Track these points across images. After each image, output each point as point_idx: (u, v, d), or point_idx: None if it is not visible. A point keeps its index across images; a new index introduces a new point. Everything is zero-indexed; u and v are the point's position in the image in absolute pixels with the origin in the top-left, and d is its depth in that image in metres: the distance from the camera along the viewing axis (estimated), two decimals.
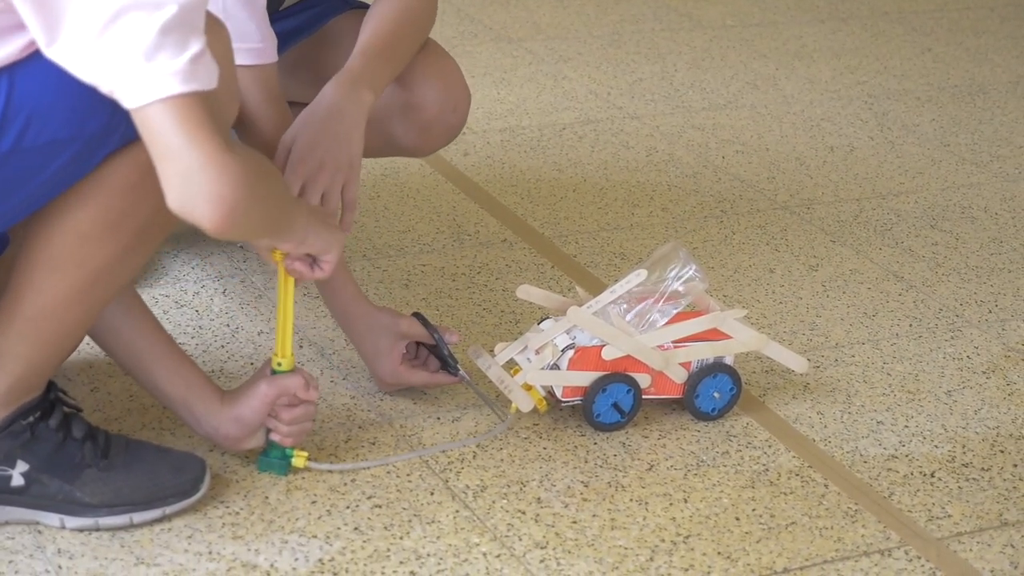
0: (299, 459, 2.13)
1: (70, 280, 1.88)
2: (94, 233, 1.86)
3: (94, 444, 1.99)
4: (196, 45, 1.65)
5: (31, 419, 1.95)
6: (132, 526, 1.99)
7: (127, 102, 1.65)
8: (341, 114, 2.24)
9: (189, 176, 1.65)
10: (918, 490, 2.27)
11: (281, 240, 1.97)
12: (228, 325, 2.53)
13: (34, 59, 1.70)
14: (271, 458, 2.13)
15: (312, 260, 2.04)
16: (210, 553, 1.98)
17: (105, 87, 1.65)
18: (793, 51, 4.10)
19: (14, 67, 1.71)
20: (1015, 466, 2.35)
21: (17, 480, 1.95)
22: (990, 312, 2.82)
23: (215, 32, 1.79)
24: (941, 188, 3.34)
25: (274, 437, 2.12)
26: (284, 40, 2.49)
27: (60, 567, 1.92)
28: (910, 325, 2.75)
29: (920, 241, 3.08)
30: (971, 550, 2.15)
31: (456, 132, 2.56)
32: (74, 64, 1.66)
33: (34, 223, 1.86)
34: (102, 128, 1.75)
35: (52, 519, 1.98)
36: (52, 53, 1.67)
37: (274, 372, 2.10)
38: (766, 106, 3.70)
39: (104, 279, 1.91)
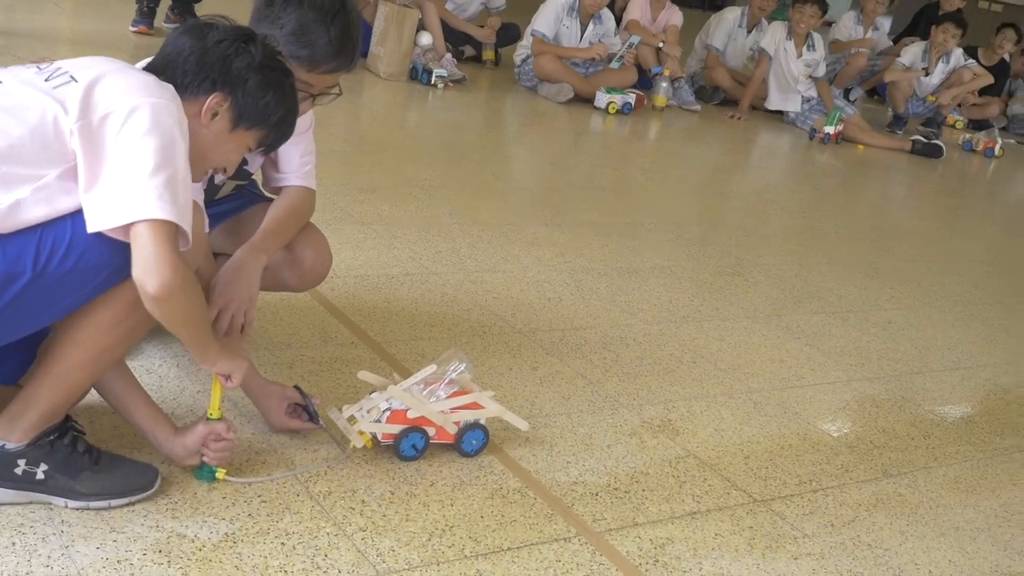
0: (221, 473, 2.10)
1: (86, 353, 1.85)
2: (105, 324, 1.83)
3: (90, 455, 1.95)
4: (185, 198, 1.72)
5: (52, 438, 1.90)
6: (110, 508, 1.95)
7: (129, 218, 1.67)
8: (245, 268, 2.24)
9: (148, 259, 1.68)
10: (588, 503, 2.30)
11: (200, 359, 1.95)
12: (178, 386, 2.47)
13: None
14: (203, 472, 2.09)
15: (227, 375, 2.02)
16: (157, 526, 1.93)
17: (117, 215, 1.68)
18: (530, 240, 4.17)
19: (76, 216, 1.71)
20: (643, 490, 2.40)
21: (40, 475, 1.90)
22: (634, 400, 2.88)
23: (195, 210, 1.83)
24: (610, 326, 3.40)
25: (206, 459, 2.08)
26: (218, 217, 2.49)
27: (62, 531, 1.87)
28: (588, 405, 2.80)
29: (597, 356, 3.13)
30: (616, 539, 2.19)
31: (322, 278, 2.56)
32: (103, 203, 1.68)
33: (67, 316, 1.83)
34: (125, 261, 1.73)
35: (59, 501, 1.93)
36: (87, 198, 1.68)
37: (208, 419, 2.07)
38: (513, 272, 3.76)
39: (108, 354, 1.89)
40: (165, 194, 1.68)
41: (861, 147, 8.01)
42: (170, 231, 1.69)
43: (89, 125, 1.70)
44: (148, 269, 1.68)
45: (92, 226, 1.69)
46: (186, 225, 1.72)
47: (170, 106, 1.75)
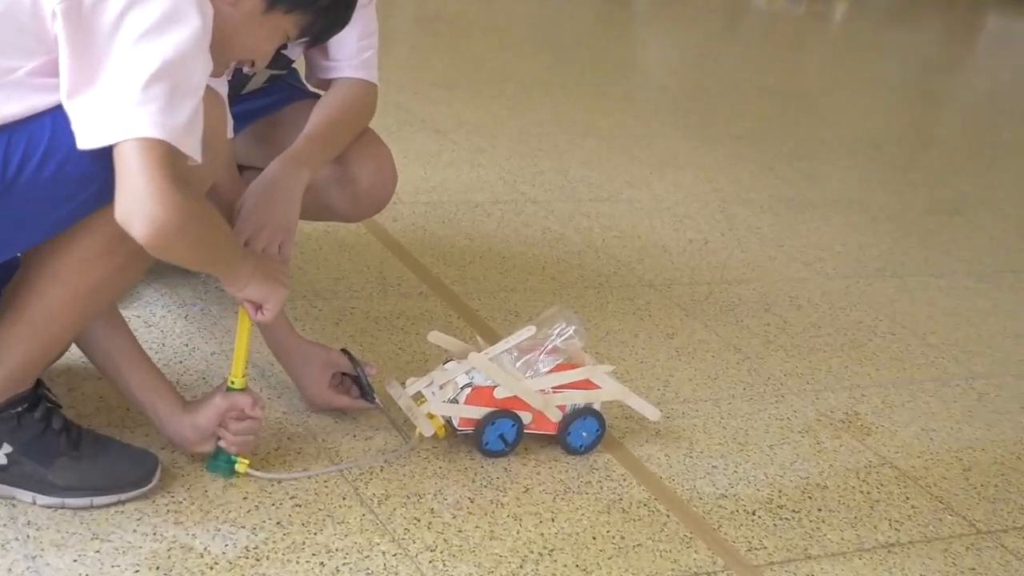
0: (241, 465, 2.09)
1: (69, 291, 1.87)
2: (93, 254, 1.84)
3: (68, 436, 1.96)
4: (191, 114, 1.71)
5: (19, 409, 1.92)
6: (92, 507, 1.96)
7: (111, 137, 1.68)
8: (282, 186, 2.24)
9: (133, 192, 1.68)
10: (741, 524, 2.27)
11: (226, 283, 1.98)
12: (187, 345, 2.49)
13: None
14: (219, 462, 2.09)
15: (259, 305, 2.02)
16: (154, 534, 1.93)
17: (99, 133, 1.68)
18: (665, 160, 4.15)
19: (57, 113, 1.71)
20: (819, 511, 2.36)
21: (2, 460, 1.91)
22: (807, 384, 2.85)
23: (213, 104, 1.83)
24: (774, 280, 3.38)
25: (222, 444, 2.08)
26: (246, 118, 2.50)
27: (28, 536, 1.88)
28: (743, 389, 2.77)
29: (756, 321, 3.11)
30: None
31: (383, 205, 2.55)
32: (85, 116, 1.69)
33: (44, 243, 1.84)
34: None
35: (26, 496, 1.94)
36: (70, 106, 1.70)
37: (229, 389, 2.07)
38: (640, 202, 3.74)
39: (96, 293, 1.90)
40: (165, 107, 1.68)
41: None
42: (163, 153, 1.69)
43: (77, 6, 1.69)
44: (133, 207, 1.68)
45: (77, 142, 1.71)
46: (189, 146, 1.72)
47: None
